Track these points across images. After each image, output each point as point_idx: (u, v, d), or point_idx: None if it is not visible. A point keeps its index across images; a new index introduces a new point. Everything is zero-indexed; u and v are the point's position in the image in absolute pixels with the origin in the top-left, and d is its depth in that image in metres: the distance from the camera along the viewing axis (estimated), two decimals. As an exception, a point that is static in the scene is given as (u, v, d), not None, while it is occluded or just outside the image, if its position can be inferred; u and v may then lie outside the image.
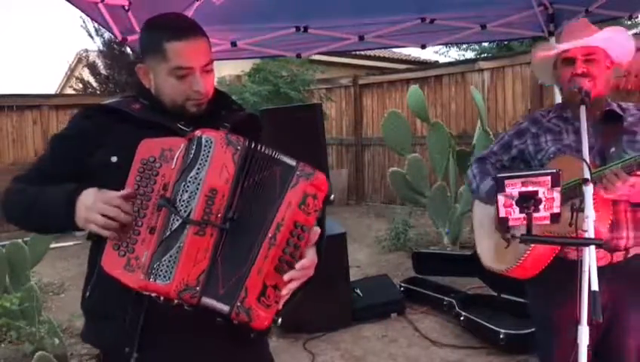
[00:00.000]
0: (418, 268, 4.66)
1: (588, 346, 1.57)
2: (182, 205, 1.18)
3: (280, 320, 1.23)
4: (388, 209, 7.81)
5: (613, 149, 1.77)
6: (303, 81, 7.84)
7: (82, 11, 2.59)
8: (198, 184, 1.19)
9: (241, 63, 7.48)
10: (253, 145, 1.23)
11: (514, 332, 3.34)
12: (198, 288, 1.17)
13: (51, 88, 21.07)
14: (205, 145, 1.21)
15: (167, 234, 1.18)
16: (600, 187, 1.68)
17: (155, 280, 1.16)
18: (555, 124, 1.94)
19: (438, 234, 5.94)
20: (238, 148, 1.22)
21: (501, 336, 3.35)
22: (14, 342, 3.66)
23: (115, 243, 1.20)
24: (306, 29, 3.42)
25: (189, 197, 1.19)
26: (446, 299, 4.06)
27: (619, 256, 1.81)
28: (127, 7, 2.61)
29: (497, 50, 11.39)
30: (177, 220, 1.18)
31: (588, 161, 1.63)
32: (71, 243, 7.19)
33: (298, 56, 3.97)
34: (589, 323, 1.55)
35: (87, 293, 1.38)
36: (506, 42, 10.26)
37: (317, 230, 1.27)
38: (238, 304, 1.18)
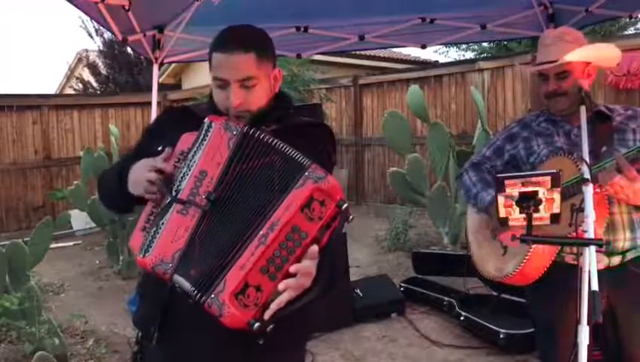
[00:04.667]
0: (418, 268, 4.66)
1: (588, 346, 1.57)
2: (176, 185, 1.24)
3: (257, 325, 1.13)
4: (388, 209, 7.79)
5: (604, 148, 1.78)
6: (304, 81, 7.83)
7: (82, 11, 2.60)
8: (192, 165, 1.24)
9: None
10: (252, 132, 1.24)
11: (514, 332, 3.34)
12: (171, 265, 1.19)
13: (51, 88, 21.09)
14: (206, 130, 1.26)
15: (158, 211, 1.24)
16: (598, 186, 1.67)
17: (142, 255, 1.21)
18: (545, 128, 1.96)
19: (438, 234, 5.94)
20: (235, 133, 1.24)
21: (501, 336, 3.35)
22: (14, 342, 3.66)
23: (143, 225, 1.26)
24: (306, 29, 3.42)
25: (182, 177, 1.24)
26: (446, 299, 4.06)
27: (616, 260, 1.81)
28: (127, 7, 2.62)
29: (497, 50, 11.40)
30: (168, 198, 1.23)
31: (587, 160, 1.63)
32: (71, 243, 7.20)
33: (298, 56, 3.97)
34: (589, 324, 1.55)
35: (142, 277, 1.49)
36: (505, 42, 10.26)
37: (314, 248, 1.16)
38: (212, 296, 1.14)
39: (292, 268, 1.14)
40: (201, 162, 1.24)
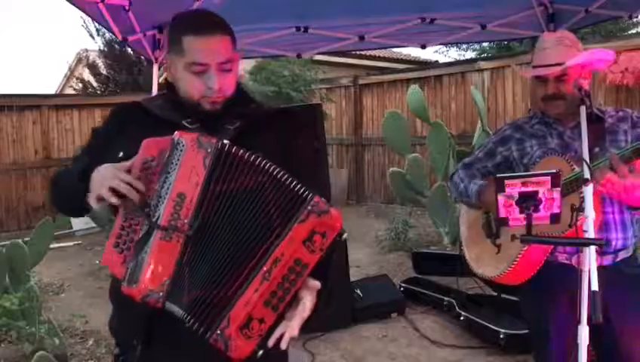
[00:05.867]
0: (418, 268, 4.66)
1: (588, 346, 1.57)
2: (154, 209, 1.18)
3: (261, 352, 1.19)
4: (388, 209, 7.80)
5: (597, 149, 1.79)
6: (305, 82, 7.83)
7: (82, 11, 2.60)
8: (168, 188, 1.18)
9: (242, 63, 7.48)
10: (227, 148, 1.18)
11: (514, 332, 3.33)
12: (161, 293, 1.17)
13: (51, 88, 21.06)
14: (177, 148, 1.19)
15: (138, 237, 1.18)
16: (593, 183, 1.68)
17: (127, 284, 1.17)
18: (539, 129, 1.97)
19: (438, 234, 5.94)
20: (209, 150, 1.18)
21: (501, 336, 3.35)
22: (14, 342, 3.66)
23: (115, 241, 1.21)
24: (306, 29, 3.42)
25: (159, 201, 1.18)
26: (446, 299, 4.06)
27: (608, 259, 1.81)
28: (127, 7, 2.62)
29: (497, 50, 11.40)
30: (148, 224, 1.18)
31: (588, 160, 1.63)
32: (71, 243, 7.20)
33: (298, 56, 3.97)
34: (589, 323, 1.55)
35: (115, 284, 1.40)
36: (506, 42, 10.27)
37: (317, 285, 1.24)
38: (218, 331, 1.17)
39: (304, 314, 1.23)
40: (178, 184, 1.18)
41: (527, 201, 1.54)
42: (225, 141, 1.20)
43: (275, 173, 1.17)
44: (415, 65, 12.11)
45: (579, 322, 1.57)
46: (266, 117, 1.43)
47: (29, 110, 8.16)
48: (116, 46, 11.25)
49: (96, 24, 10.77)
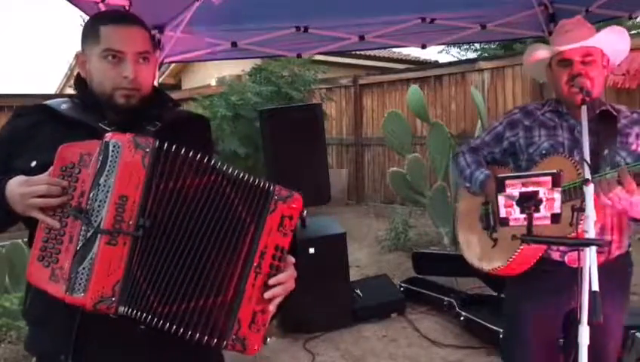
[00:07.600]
0: (418, 268, 4.66)
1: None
2: (93, 214, 1.15)
3: (269, 340, 1.26)
4: (388, 209, 7.80)
5: (606, 152, 1.76)
6: (304, 82, 7.82)
7: (82, 11, 2.60)
8: (107, 191, 1.15)
9: (242, 63, 7.48)
10: (165, 147, 1.17)
11: (514, 333, 3.34)
12: (114, 298, 1.14)
13: (51, 88, 21.06)
14: (113, 150, 1.16)
15: (81, 244, 1.15)
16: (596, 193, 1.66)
17: (72, 293, 1.13)
18: (550, 119, 1.92)
19: (438, 234, 5.93)
20: (147, 150, 1.16)
21: (501, 336, 3.34)
22: (14, 342, 3.66)
23: (39, 254, 1.16)
24: (306, 29, 3.42)
25: (99, 205, 1.15)
26: (446, 299, 4.06)
27: (601, 258, 1.81)
28: (127, 7, 2.61)
29: (504, 50, 11.36)
30: (89, 230, 1.15)
31: (588, 161, 1.63)
32: (71, 243, 7.20)
33: (298, 56, 3.97)
34: (589, 324, 1.55)
35: (28, 301, 1.35)
36: (506, 42, 10.24)
37: (291, 259, 1.30)
38: (234, 337, 1.20)
39: (272, 281, 1.23)
40: (117, 186, 1.15)
41: (528, 201, 1.53)
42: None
43: (223, 169, 1.21)
44: (415, 65, 12.11)
45: (579, 322, 1.57)
46: (184, 120, 1.46)
47: (28, 110, 8.14)
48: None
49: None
